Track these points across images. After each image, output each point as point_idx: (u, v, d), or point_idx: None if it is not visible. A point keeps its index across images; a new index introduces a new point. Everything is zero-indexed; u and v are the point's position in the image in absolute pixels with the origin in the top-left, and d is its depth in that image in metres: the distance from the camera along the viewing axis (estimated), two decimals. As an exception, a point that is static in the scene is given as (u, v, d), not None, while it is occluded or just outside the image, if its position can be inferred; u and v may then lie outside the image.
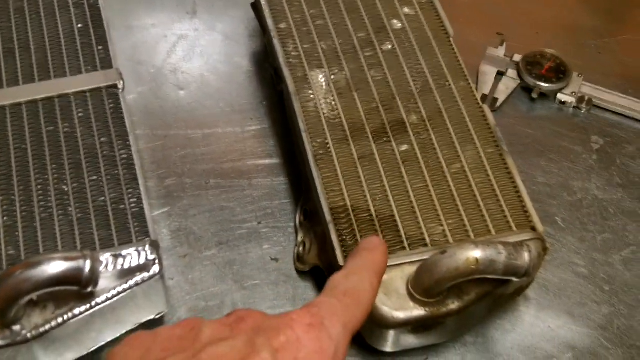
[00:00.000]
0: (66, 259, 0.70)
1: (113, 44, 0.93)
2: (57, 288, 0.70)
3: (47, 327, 0.72)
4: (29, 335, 0.72)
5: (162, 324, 0.84)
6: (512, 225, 0.82)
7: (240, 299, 0.86)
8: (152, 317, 0.80)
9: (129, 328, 0.79)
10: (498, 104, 1.04)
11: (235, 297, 0.86)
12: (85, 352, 0.78)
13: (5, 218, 0.79)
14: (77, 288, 0.71)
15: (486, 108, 0.91)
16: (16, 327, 0.72)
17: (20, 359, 0.74)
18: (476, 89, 1.03)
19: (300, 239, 0.90)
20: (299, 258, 0.89)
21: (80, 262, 0.70)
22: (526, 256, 0.74)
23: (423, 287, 0.76)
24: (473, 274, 0.74)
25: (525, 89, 1.06)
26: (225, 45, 1.09)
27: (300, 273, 0.89)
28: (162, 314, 0.81)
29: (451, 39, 0.96)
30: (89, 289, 0.71)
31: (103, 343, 0.78)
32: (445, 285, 0.75)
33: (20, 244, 0.78)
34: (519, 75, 1.06)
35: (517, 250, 0.74)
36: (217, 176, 0.95)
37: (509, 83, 1.06)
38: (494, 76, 1.06)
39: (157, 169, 0.96)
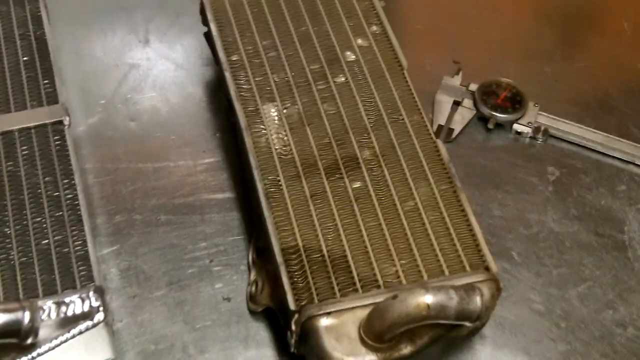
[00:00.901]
0: (4, 310, 0.68)
1: (60, 77, 0.91)
2: (-6, 341, 0.68)
3: (-13, 380, 0.70)
4: (-33, 389, 0.70)
5: (109, 369, 0.82)
6: (466, 265, 0.81)
7: (191, 341, 0.84)
8: (97, 364, 0.78)
9: (73, 376, 0.77)
10: (454, 134, 1.03)
11: (185, 339, 0.84)
12: (28, 403, 0.76)
13: (-56, 263, 0.77)
14: (16, 340, 0.68)
15: (439, 143, 0.89)
16: (-49, 384, 0.70)
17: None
18: (432, 119, 1.03)
19: (252, 277, 0.89)
20: (251, 298, 0.88)
21: (18, 314, 0.68)
22: (478, 300, 0.73)
23: (375, 332, 0.74)
24: (424, 320, 0.73)
25: (482, 119, 1.05)
26: (178, 75, 1.07)
27: (253, 313, 0.87)
28: (106, 361, 0.79)
29: (404, 71, 0.95)
30: (29, 341, 0.69)
31: (51, 391, 0.76)
32: (397, 330, 0.74)
33: (-41, 291, 0.75)
34: (475, 105, 1.05)
35: (468, 295, 0.73)
36: (169, 212, 0.93)
37: (465, 113, 1.05)
38: (450, 106, 1.05)
39: (106, 205, 0.93)
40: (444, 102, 1.05)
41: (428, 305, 0.72)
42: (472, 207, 0.86)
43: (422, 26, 1.15)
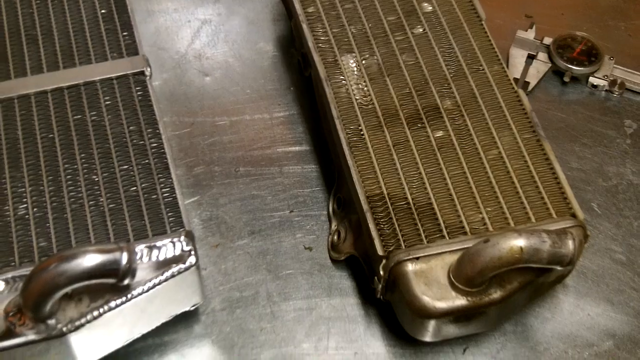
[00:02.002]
0: (102, 251, 0.68)
1: (138, 30, 0.91)
2: (93, 281, 0.68)
3: (83, 320, 0.71)
4: (64, 329, 0.70)
5: (197, 316, 0.83)
6: (553, 212, 0.80)
7: (274, 289, 0.85)
8: (187, 308, 0.79)
9: (163, 320, 0.78)
10: (530, 87, 1.02)
11: (269, 287, 0.85)
12: (120, 345, 0.76)
13: (35, 209, 0.78)
14: (114, 281, 0.69)
15: (521, 92, 0.89)
16: (51, 321, 0.70)
17: (54, 352, 0.73)
18: (507, 72, 1.02)
19: (334, 227, 0.89)
20: (333, 247, 0.88)
21: (116, 255, 0.68)
22: (570, 244, 0.73)
23: (465, 277, 0.74)
24: (517, 263, 0.72)
25: (557, 72, 1.04)
26: (249, 30, 1.06)
27: (335, 262, 0.87)
28: (197, 306, 0.80)
29: (483, 22, 0.94)
30: (126, 282, 0.70)
31: (138, 335, 0.77)
32: (488, 274, 0.73)
33: (51, 235, 0.76)
34: (550, 58, 1.03)
35: (561, 239, 0.73)
36: (247, 164, 0.94)
37: (540, 67, 1.03)
38: (525, 60, 1.04)
39: (185, 157, 0.94)
40: (519, 55, 1.04)
41: (521, 249, 0.72)
42: None
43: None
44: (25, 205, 0.78)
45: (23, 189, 0.79)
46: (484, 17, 0.95)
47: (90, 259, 0.68)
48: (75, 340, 0.72)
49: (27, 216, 0.77)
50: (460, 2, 0.96)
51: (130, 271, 0.69)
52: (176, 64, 1.02)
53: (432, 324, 0.77)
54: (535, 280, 0.77)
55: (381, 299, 0.80)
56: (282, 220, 0.89)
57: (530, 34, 1.06)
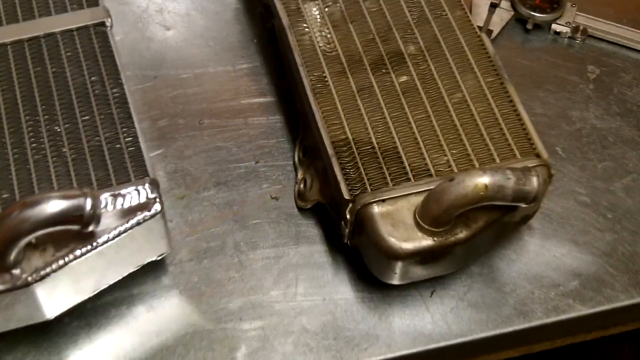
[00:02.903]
0: (65, 197, 0.68)
1: (97, -20, 0.90)
2: (57, 228, 0.68)
3: (48, 269, 0.70)
4: (29, 278, 0.70)
5: (164, 267, 0.82)
6: (517, 152, 0.81)
7: (242, 238, 0.85)
8: (154, 258, 0.79)
9: (130, 270, 0.78)
10: (493, 35, 1.02)
11: (236, 237, 0.85)
12: (88, 296, 0.76)
13: (-4, 161, 0.77)
14: (78, 227, 0.69)
15: (484, 37, 0.89)
16: (16, 271, 0.70)
17: (20, 306, 0.72)
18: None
19: (300, 176, 0.89)
20: (299, 195, 0.88)
21: (80, 200, 0.68)
22: (534, 181, 0.73)
23: (431, 216, 0.74)
24: (482, 201, 0.73)
25: (519, 20, 1.04)
26: (212, -18, 1.06)
27: (302, 210, 0.87)
28: (163, 255, 0.79)
29: (445, -32, 0.94)
30: (91, 228, 0.69)
31: (106, 286, 0.77)
32: (454, 213, 0.74)
33: (14, 187, 0.75)
34: (513, 6, 1.04)
35: (525, 176, 0.73)
36: (211, 116, 0.93)
37: (503, 14, 1.04)
38: (487, 8, 1.04)
39: (149, 110, 0.93)
40: (481, 4, 1.04)
41: (486, 186, 0.72)
42: None
43: None
44: (-14, 157, 0.77)
45: (-17, 141, 0.78)
46: (446, -37, 0.94)
47: (54, 205, 0.67)
48: (41, 290, 0.71)
49: (-12, 168, 0.76)
50: (422, -52, 0.96)
51: (95, 217, 0.69)
52: (137, 18, 1.01)
53: (399, 266, 0.77)
54: (501, 219, 0.77)
55: (348, 244, 0.81)
56: (248, 171, 0.89)
57: (492, -18, 1.06)
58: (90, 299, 0.77)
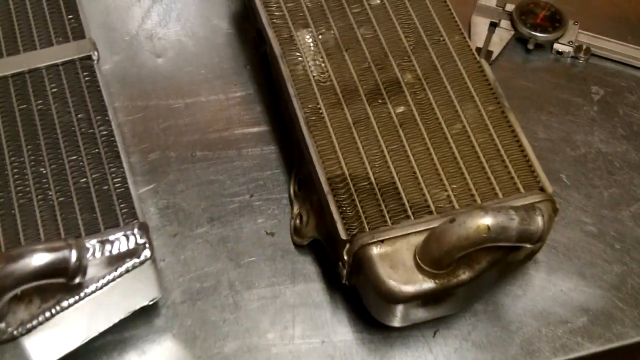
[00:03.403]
0: (50, 249, 0.65)
1: (84, 11, 0.87)
2: (42, 282, 0.65)
3: (34, 322, 0.68)
4: (15, 332, 0.67)
5: (157, 309, 0.80)
6: (520, 186, 0.78)
7: (236, 277, 0.82)
8: (145, 303, 0.76)
9: (121, 317, 0.75)
10: (493, 56, 0.99)
11: (231, 276, 0.82)
12: (77, 345, 0.73)
13: (-21, 206, 0.74)
14: (64, 280, 0.66)
15: (484, 62, 0.86)
16: (1, 325, 0.67)
17: (8, 356, 0.69)
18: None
19: (296, 211, 0.86)
20: (296, 231, 0.85)
21: (65, 253, 0.65)
22: (539, 220, 0.70)
23: (432, 258, 0.72)
24: (485, 243, 0.70)
25: (520, 39, 1.01)
26: (202, 7, 1.02)
27: (298, 247, 0.84)
28: (155, 300, 0.77)
29: (442, -10, 0.91)
30: (77, 280, 0.67)
31: (96, 334, 0.74)
32: (456, 255, 0.71)
33: (-3, 234, 0.73)
34: (513, 25, 1.01)
35: (529, 215, 0.70)
36: (204, 147, 0.90)
37: (503, 34, 1.01)
38: (487, 27, 1.01)
39: (139, 143, 0.90)
40: (481, 24, 1.01)
41: (488, 227, 0.69)
42: None
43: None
44: (-30, 202, 0.74)
45: (-34, 185, 0.75)
46: (442, -15, 0.91)
47: (38, 259, 0.64)
48: (30, 342, 0.68)
49: (-29, 214, 0.73)
50: (418, -30, 0.93)
51: (81, 269, 0.66)
52: (127, 45, 0.98)
53: (399, 309, 0.74)
54: (504, 258, 0.75)
55: (347, 284, 0.78)
56: (242, 205, 0.86)
57: (491, 1, 1.03)
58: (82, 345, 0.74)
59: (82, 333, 0.73)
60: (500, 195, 0.77)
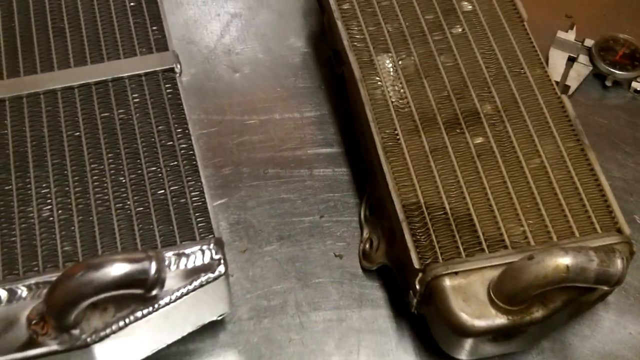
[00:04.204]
0: (130, 260, 0.65)
1: (167, 24, 0.88)
2: (120, 292, 0.66)
3: (108, 331, 0.68)
4: (88, 339, 0.68)
5: (223, 324, 0.80)
6: (597, 227, 0.77)
7: (303, 298, 0.82)
8: (214, 318, 0.76)
9: (189, 330, 0.75)
10: (570, 91, 0.98)
11: (298, 296, 0.82)
12: (146, 355, 0.74)
13: (59, 211, 0.75)
14: (141, 291, 0.66)
15: (565, 98, 0.85)
16: (75, 331, 0.68)
17: (76, 362, 0.70)
18: (547, 75, 0.98)
19: (366, 235, 0.85)
20: (364, 255, 0.85)
21: (145, 264, 0.65)
22: (619, 263, 0.69)
23: (507, 294, 0.71)
24: (562, 282, 0.69)
25: (598, 76, 1.00)
26: (280, 24, 1.03)
27: (366, 271, 0.84)
28: (224, 315, 0.77)
29: (524, 23, 0.90)
30: (154, 292, 0.67)
31: (163, 345, 0.74)
32: (532, 293, 0.70)
33: (76, 240, 0.73)
34: (592, 61, 1.00)
35: (609, 257, 0.69)
36: (276, 165, 0.91)
37: (581, 69, 1.00)
38: (565, 62, 1.00)
39: (212, 157, 0.91)
40: (559, 57, 1.00)
41: (567, 267, 0.68)
42: None
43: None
44: (50, 207, 0.75)
45: (48, 190, 0.76)
46: (525, 17, 0.91)
47: (118, 268, 0.65)
48: (100, 351, 0.69)
49: (51, 218, 0.74)
50: (501, 1, 0.92)
51: (159, 281, 0.66)
52: (205, 59, 0.99)
53: (469, 342, 0.74)
54: (579, 298, 0.74)
55: (415, 313, 0.77)
56: (312, 226, 0.86)
57: (570, 35, 1.02)
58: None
59: (151, 344, 0.74)
60: (576, 234, 0.76)
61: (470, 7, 0.92)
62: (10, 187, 0.76)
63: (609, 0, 1.08)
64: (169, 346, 0.76)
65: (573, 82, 0.99)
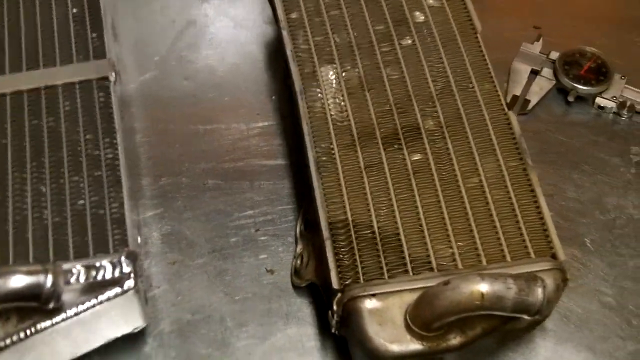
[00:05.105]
0: (27, 273, 0.64)
1: (112, 32, 0.87)
2: (16, 304, 0.64)
3: (7, 341, 0.67)
4: (-13, 349, 0.66)
5: (144, 337, 0.78)
6: (531, 251, 0.73)
7: (229, 313, 0.80)
8: (128, 331, 0.74)
9: (102, 342, 0.74)
10: (530, 106, 0.94)
11: (224, 311, 0.80)
12: (59, 365, 0.72)
13: (-26, 219, 0.74)
14: (37, 304, 0.65)
15: (512, 115, 0.82)
16: (-24, 341, 0.67)
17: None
18: (507, 88, 0.95)
19: (299, 250, 0.83)
20: (295, 272, 0.82)
21: (40, 278, 0.64)
22: (539, 293, 0.66)
23: (422, 320, 0.68)
24: (477, 310, 0.66)
25: (561, 90, 0.96)
26: (237, 33, 1.01)
27: (296, 288, 0.81)
28: (139, 329, 0.75)
29: (478, 35, 0.87)
30: (50, 306, 0.66)
31: (79, 354, 0.73)
32: (447, 319, 0.67)
33: (-12, 249, 0.72)
34: (555, 75, 0.96)
35: (529, 286, 0.66)
36: (217, 176, 0.89)
37: (544, 83, 0.96)
38: (527, 75, 0.97)
39: (153, 166, 0.89)
40: (522, 70, 0.97)
41: (482, 295, 0.65)
42: (545, 186, 0.80)
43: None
44: (-34, 213, 0.74)
45: (-35, 196, 0.75)
46: (479, 29, 0.88)
47: (15, 281, 0.64)
48: (8, 357, 0.68)
49: (-34, 225, 0.74)
50: (456, 12, 0.89)
51: (54, 295, 0.65)
52: (156, 65, 0.97)
53: (386, 367, 0.71)
54: (502, 326, 0.70)
55: (337, 334, 0.75)
56: (246, 239, 0.84)
57: (536, 47, 0.99)
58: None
59: (66, 353, 0.72)
60: (508, 258, 0.73)
61: (423, 17, 0.89)
62: None
63: (582, 11, 1.04)
64: (90, 356, 0.75)
65: (534, 97, 0.95)
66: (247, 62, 0.98)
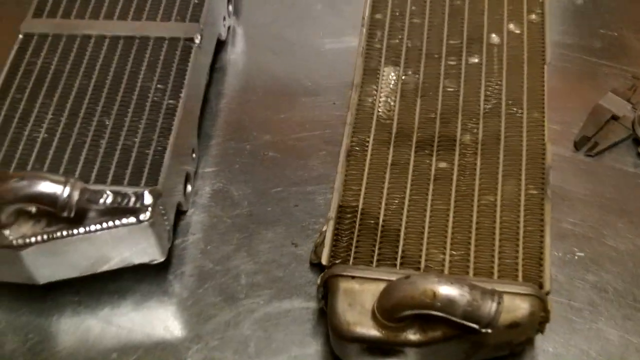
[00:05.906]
0: (50, 180, 0.74)
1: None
2: (36, 205, 0.75)
3: (32, 239, 0.77)
4: (13, 242, 0.77)
5: (166, 273, 0.86)
6: (519, 275, 0.74)
7: (245, 271, 0.86)
8: (145, 261, 0.82)
9: (120, 265, 0.82)
10: (597, 149, 0.93)
11: (241, 269, 0.86)
12: (77, 275, 0.82)
13: (45, 135, 0.85)
14: (53, 210, 0.75)
15: (549, 147, 0.82)
16: (6, 232, 0.77)
17: (11, 264, 0.79)
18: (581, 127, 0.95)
19: (324, 229, 0.88)
20: (315, 248, 0.87)
21: (59, 187, 0.74)
22: (492, 307, 0.67)
23: (383, 309, 0.71)
24: (428, 308, 0.68)
25: (637, 141, 0.94)
26: (339, 21, 1.08)
27: (314, 265, 0.86)
28: (156, 262, 0.83)
29: (545, 66, 0.88)
30: (64, 214, 0.75)
31: (95, 272, 0.82)
32: (400, 311, 0.70)
33: (47, 161, 0.83)
34: (633, 126, 0.94)
35: (483, 297, 0.68)
36: (278, 150, 0.95)
37: (619, 131, 0.94)
38: (606, 119, 0.95)
39: (225, 129, 0.97)
40: (602, 113, 0.95)
41: (434, 294, 0.68)
42: (585, 228, 0.81)
43: (617, 33, 1.05)
44: (41, 130, 0.86)
45: (45, 115, 0.87)
46: (548, 60, 0.89)
47: (36, 185, 0.74)
48: (27, 256, 0.78)
49: (37, 139, 0.85)
50: (532, 40, 0.91)
51: (68, 205, 0.74)
52: (259, 41, 1.07)
53: (349, 348, 0.74)
54: (464, 336, 0.72)
55: (324, 310, 0.79)
56: (284, 211, 0.90)
57: (626, 95, 0.97)
58: (95, 280, 0.83)
59: (83, 267, 0.81)
60: (495, 275, 0.75)
61: (498, 40, 0.91)
62: (19, 106, 0.88)
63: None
64: (115, 278, 0.84)
65: (604, 141, 0.94)
66: (342, 51, 1.04)
